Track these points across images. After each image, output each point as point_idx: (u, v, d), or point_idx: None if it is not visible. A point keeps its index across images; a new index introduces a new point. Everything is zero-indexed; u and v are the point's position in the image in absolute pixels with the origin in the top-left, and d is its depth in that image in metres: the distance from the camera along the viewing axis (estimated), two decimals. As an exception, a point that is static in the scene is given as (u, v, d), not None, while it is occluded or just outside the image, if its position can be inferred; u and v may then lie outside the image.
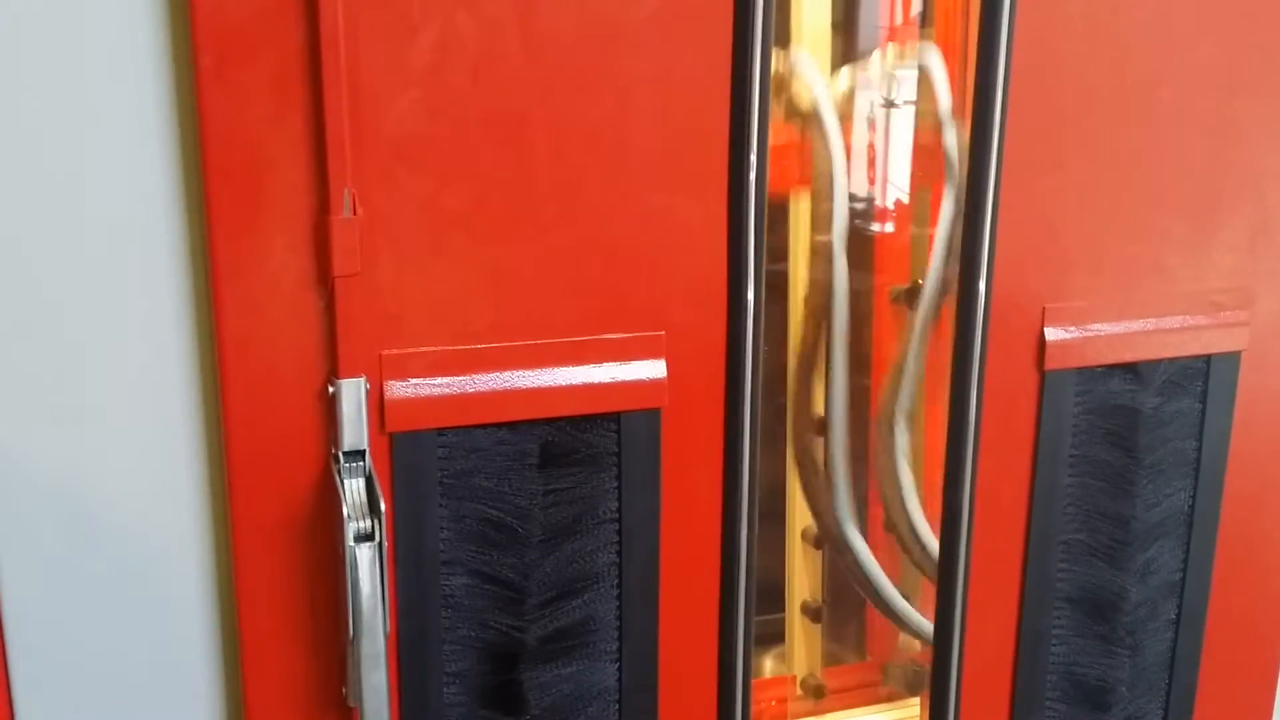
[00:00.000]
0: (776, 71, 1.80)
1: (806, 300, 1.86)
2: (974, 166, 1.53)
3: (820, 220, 1.80)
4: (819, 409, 1.88)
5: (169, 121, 1.25)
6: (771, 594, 2.02)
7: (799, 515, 1.96)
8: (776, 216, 1.87)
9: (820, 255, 1.81)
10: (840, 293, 1.80)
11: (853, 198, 1.85)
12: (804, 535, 1.98)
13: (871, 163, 1.83)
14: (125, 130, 1.25)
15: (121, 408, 1.30)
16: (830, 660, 2.06)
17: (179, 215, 1.28)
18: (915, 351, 1.77)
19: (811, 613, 2.00)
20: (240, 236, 1.27)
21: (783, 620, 2.03)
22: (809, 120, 1.76)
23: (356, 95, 1.27)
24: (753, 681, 2.02)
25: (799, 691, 2.02)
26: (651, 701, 1.55)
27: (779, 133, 1.79)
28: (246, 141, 1.25)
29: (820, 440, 1.87)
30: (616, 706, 1.55)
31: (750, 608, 1.57)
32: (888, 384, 1.83)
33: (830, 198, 1.76)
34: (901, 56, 1.82)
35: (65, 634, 1.34)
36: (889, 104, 1.82)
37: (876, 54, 1.83)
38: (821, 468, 1.88)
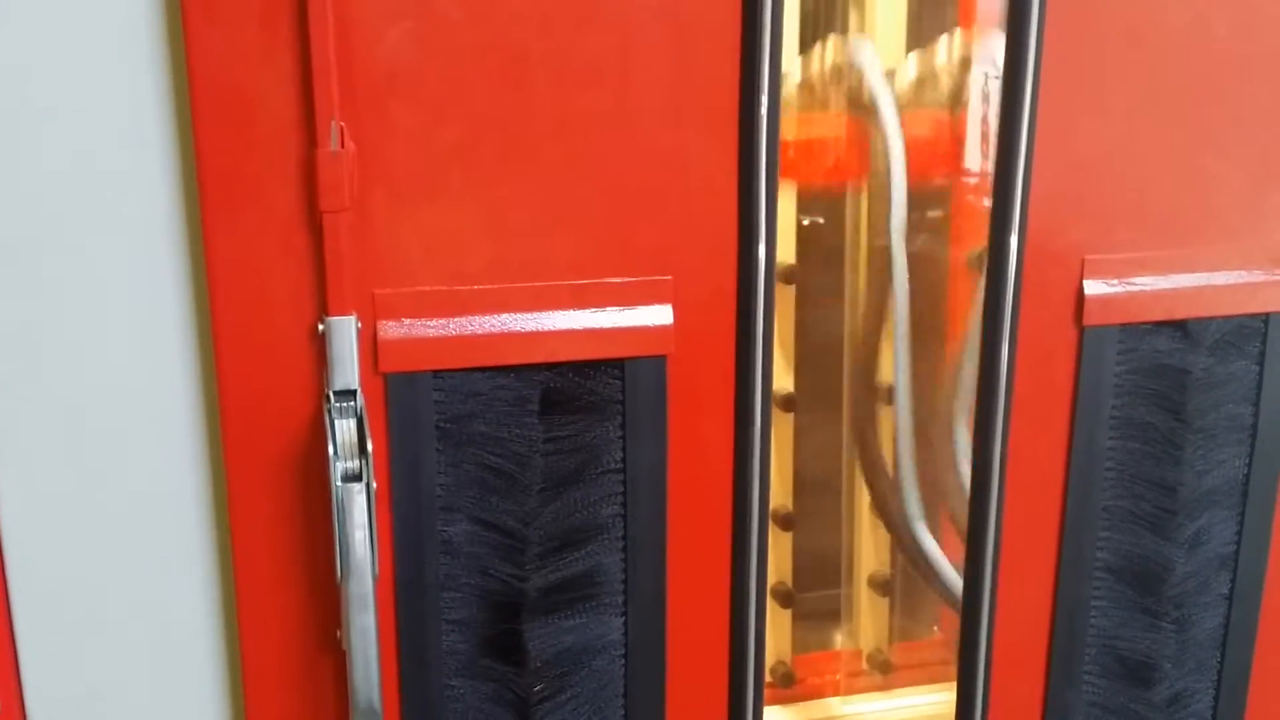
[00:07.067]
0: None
1: (871, 265, 1.80)
2: (1005, 104, 1.44)
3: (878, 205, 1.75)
4: (885, 377, 1.82)
5: (158, 56, 1.24)
6: (832, 569, 1.97)
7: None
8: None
9: (879, 219, 1.75)
10: (899, 254, 1.73)
11: (966, 173, 1.79)
12: (871, 508, 1.92)
13: (985, 137, 1.76)
14: (114, 66, 1.24)
15: (115, 342, 1.30)
16: (899, 636, 2.01)
17: (170, 151, 1.26)
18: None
19: (879, 586, 1.94)
20: (229, 172, 1.25)
21: (838, 596, 1.98)
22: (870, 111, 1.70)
23: (346, 26, 1.24)
24: (816, 655, 1.99)
25: (865, 666, 1.97)
26: (659, 656, 1.52)
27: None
28: (235, 76, 1.23)
29: (885, 409, 1.82)
30: (623, 660, 1.51)
31: (763, 562, 1.51)
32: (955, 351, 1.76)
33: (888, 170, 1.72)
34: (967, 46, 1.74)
35: (65, 571, 1.35)
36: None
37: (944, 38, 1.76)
38: (880, 439, 1.82)
